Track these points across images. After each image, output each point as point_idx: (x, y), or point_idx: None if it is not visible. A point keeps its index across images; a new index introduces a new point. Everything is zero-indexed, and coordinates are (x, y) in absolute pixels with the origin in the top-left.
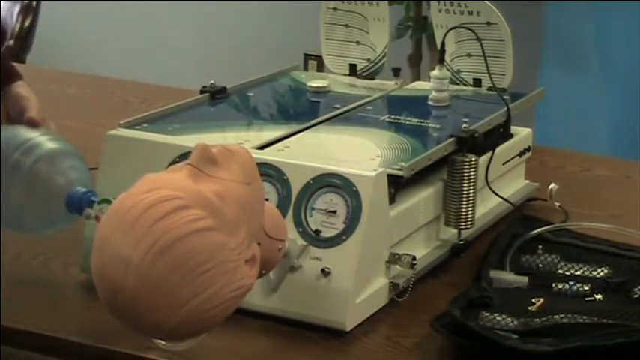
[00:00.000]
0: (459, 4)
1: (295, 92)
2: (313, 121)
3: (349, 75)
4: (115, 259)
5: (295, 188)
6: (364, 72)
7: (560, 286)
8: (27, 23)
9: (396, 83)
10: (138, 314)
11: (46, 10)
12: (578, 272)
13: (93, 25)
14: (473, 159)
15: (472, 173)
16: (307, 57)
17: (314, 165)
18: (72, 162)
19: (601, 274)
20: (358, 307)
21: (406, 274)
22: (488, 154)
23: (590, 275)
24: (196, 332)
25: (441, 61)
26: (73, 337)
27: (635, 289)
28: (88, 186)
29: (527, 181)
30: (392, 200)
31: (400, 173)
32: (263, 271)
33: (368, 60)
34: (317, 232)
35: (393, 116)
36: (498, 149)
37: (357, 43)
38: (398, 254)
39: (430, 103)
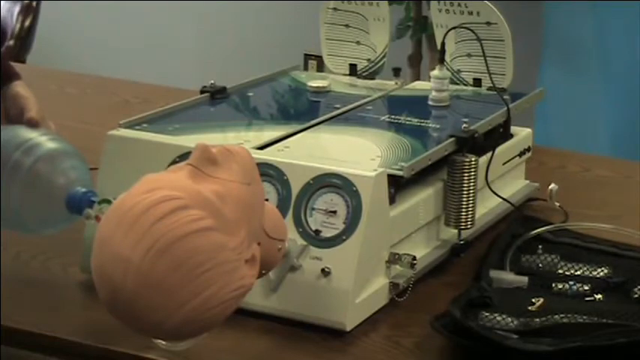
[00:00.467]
0: (459, 4)
1: (295, 92)
2: (313, 121)
3: (349, 75)
4: (114, 259)
5: (295, 188)
6: (364, 72)
7: (560, 286)
8: (27, 23)
9: (396, 83)
10: (138, 314)
11: (46, 10)
12: (578, 272)
13: (93, 25)
14: (473, 159)
15: (472, 173)
16: (307, 57)
17: (314, 165)
18: (72, 162)
19: (601, 274)
20: (358, 307)
21: (406, 274)
22: (488, 154)
23: (590, 275)
24: (196, 332)
25: (441, 61)
26: (73, 337)
27: (635, 289)
28: (88, 186)
29: (527, 181)
30: (392, 200)
31: (400, 173)
32: (263, 271)
33: (368, 60)
34: (317, 232)
35: (393, 116)
36: (498, 149)
37: (357, 43)
38: (398, 254)
39: (430, 103)
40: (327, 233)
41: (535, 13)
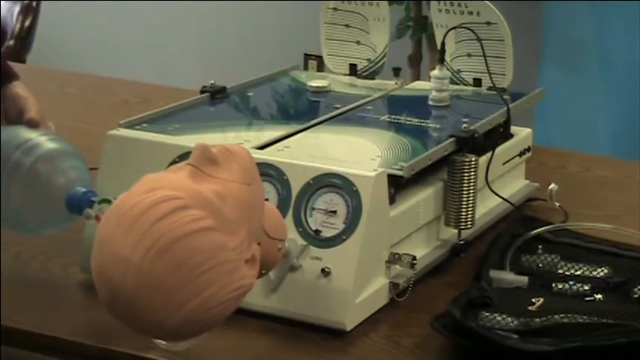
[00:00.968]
0: (459, 4)
1: (295, 92)
2: (313, 121)
3: (349, 75)
4: (114, 259)
5: (295, 188)
6: (364, 72)
7: (560, 286)
8: (27, 23)
9: (396, 83)
10: (138, 314)
11: (46, 10)
12: (578, 272)
13: (93, 25)
14: (473, 159)
15: (472, 173)
16: (307, 57)
17: (314, 165)
18: (72, 162)
19: (601, 274)
20: (358, 307)
21: (406, 274)
22: (488, 154)
23: (590, 275)
24: (196, 332)
25: (441, 61)
26: (73, 337)
27: (635, 289)
28: (88, 186)
29: (527, 181)
30: (392, 200)
31: (400, 173)
32: (263, 271)
33: (368, 60)
34: (317, 232)
35: (393, 116)
36: (498, 149)
37: (357, 43)
38: (398, 254)
39: (430, 103)
40: (327, 233)
41: (535, 13)
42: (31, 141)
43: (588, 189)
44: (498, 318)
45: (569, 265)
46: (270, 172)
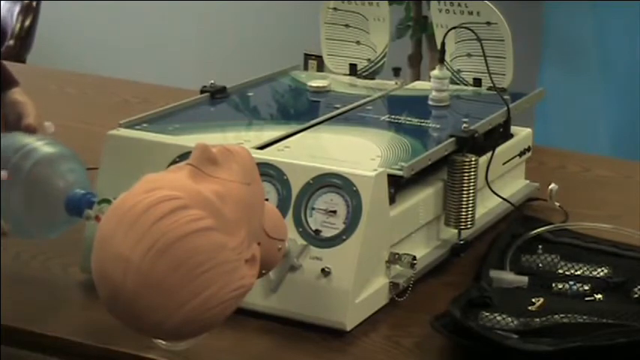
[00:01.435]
0: (459, 4)
1: (295, 92)
2: (313, 121)
3: (349, 75)
4: (114, 259)
5: (295, 188)
6: (364, 72)
7: (560, 286)
8: (27, 23)
9: (396, 83)
10: (138, 314)
11: (46, 10)
12: (578, 272)
13: (93, 25)
14: (473, 159)
15: (472, 173)
16: (307, 57)
17: (314, 165)
18: (70, 165)
19: (601, 274)
20: (358, 307)
21: (406, 274)
22: (488, 154)
23: (590, 275)
24: (196, 332)
25: (441, 61)
26: (73, 337)
27: (635, 289)
28: (87, 188)
29: (527, 181)
30: (392, 200)
31: (400, 173)
32: (263, 271)
33: (368, 60)
34: (317, 232)
35: (393, 116)
36: (498, 149)
37: (357, 43)
38: (398, 254)
39: (430, 103)
40: (327, 233)
41: (535, 13)
42: (29, 145)
43: (588, 189)
44: (498, 318)
45: (569, 265)
46: (270, 172)
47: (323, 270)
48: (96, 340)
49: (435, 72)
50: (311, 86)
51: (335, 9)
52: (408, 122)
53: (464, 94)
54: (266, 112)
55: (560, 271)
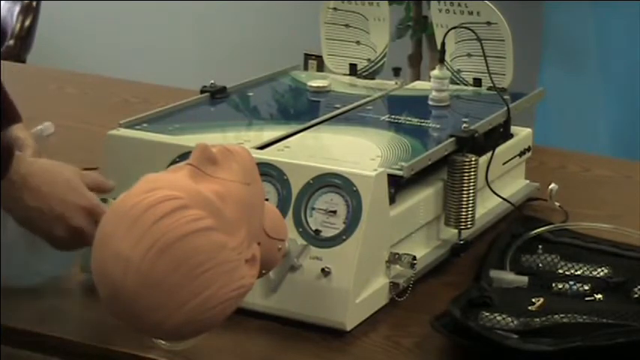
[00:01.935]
0: (459, 4)
1: (295, 92)
2: (313, 121)
3: (349, 75)
4: (115, 258)
5: (295, 188)
6: (364, 72)
7: (560, 286)
8: (27, 23)
9: (396, 83)
10: (138, 314)
11: (46, 10)
12: (578, 272)
13: (93, 25)
14: (473, 159)
15: (472, 173)
16: (307, 57)
17: (314, 165)
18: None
19: (601, 274)
20: (358, 307)
21: (406, 274)
22: (489, 154)
23: (590, 275)
24: (196, 332)
25: (441, 61)
26: (73, 337)
27: (635, 289)
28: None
29: (527, 181)
30: (392, 200)
31: (400, 173)
32: (263, 271)
33: (368, 60)
34: (317, 231)
35: (393, 116)
36: (498, 149)
37: (358, 43)
38: (398, 254)
39: (430, 103)
40: (327, 233)
41: (535, 13)
42: None
43: (588, 189)
44: (498, 318)
45: (569, 265)
46: (270, 172)
47: (323, 270)
48: (96, 340)
49: (435, 72)
50: (311, 86)
51: (335, 9)
52: (408, 122)
53: (464, 94)
54: (266, 112)
55: (560, 271)
